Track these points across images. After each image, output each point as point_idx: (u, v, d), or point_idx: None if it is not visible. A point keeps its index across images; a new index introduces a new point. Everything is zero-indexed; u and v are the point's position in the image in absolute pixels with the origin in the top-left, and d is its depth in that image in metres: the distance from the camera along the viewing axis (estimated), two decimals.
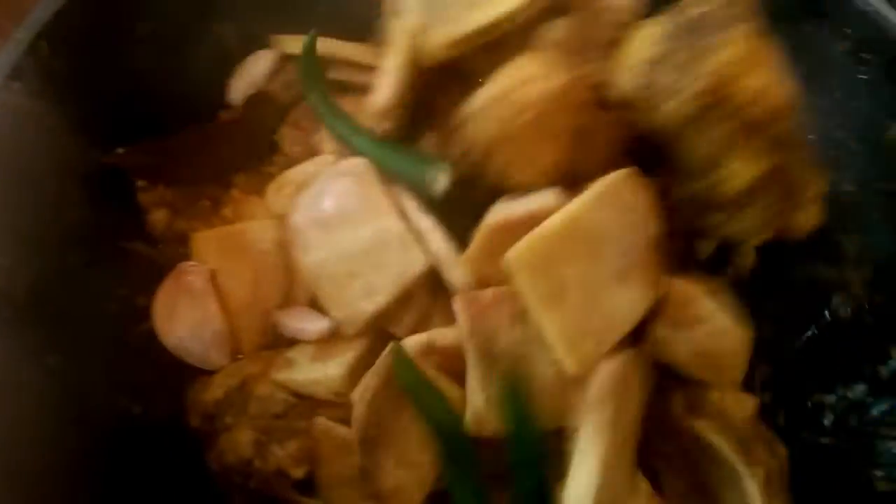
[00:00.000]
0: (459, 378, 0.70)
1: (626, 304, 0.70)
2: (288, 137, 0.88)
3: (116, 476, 0.75)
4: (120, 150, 0.81)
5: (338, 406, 0.75)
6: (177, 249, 0.85)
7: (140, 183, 0.85)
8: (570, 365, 0.67)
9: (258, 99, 0.88)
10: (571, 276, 0.67)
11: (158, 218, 0.85)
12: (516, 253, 0.66)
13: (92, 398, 0.76)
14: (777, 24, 0.84)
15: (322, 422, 0.76)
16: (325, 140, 0.84)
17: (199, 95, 0.90)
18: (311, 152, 0.86)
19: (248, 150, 0.86)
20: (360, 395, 0.70)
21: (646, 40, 0.72)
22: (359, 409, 0.69)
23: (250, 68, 0.92)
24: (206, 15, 0.90)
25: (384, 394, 0.70)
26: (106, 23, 0.81)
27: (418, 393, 0.69)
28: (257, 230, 0.81)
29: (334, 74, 0.88)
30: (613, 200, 0.70)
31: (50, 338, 0.73)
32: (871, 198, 0.84)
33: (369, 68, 0.83)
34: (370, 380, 0.70)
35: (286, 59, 0.92)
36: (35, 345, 0.71)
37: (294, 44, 0.90)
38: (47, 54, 0.75)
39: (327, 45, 0.87)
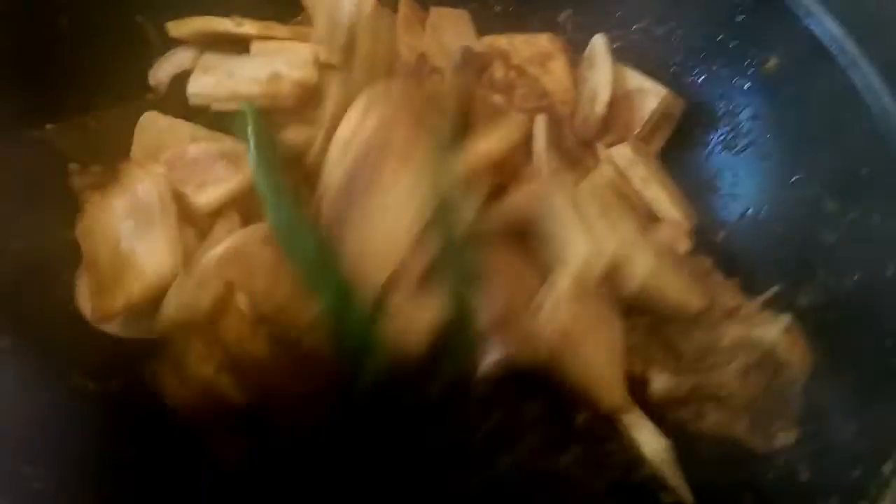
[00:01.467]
0: None
1: None
2: None
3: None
4: (49, 127, 0.84)
5: None
6: None
7: (72, 166, 0.86)
8: None
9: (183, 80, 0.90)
10: None
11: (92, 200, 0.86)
12: None
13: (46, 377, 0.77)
14: None
15: None
16: None
17: (125, 82, 0.92)
18: None
19: None
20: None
21: None
22: None
23: (173, 58, 0.95)
24: (125, 8, 0.93)
25: None
26: (29, 13, 0.83)
27: None
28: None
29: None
30: None
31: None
32: None
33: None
34: None
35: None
36: None
37: (178, 27, 0.93)
38: None
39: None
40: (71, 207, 0.85)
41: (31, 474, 0.71)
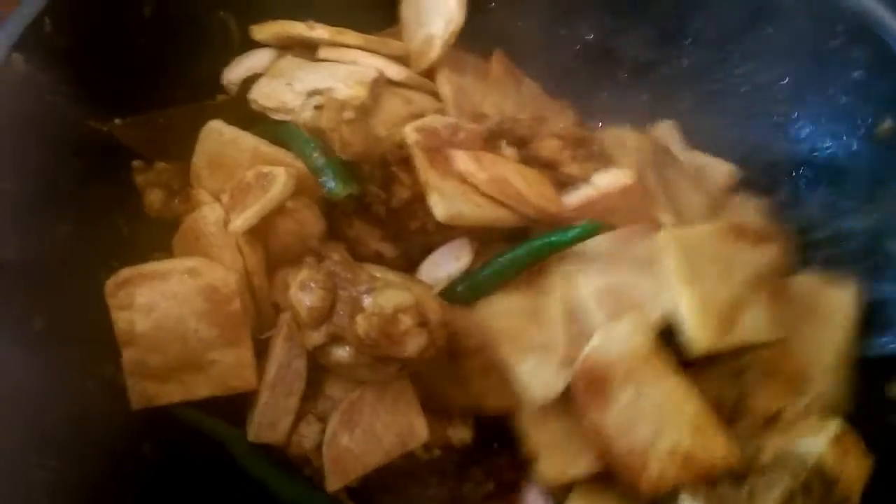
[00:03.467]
0: None
1: None
2: None
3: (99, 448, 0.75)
4: (117, 122, 0.83)
5: None
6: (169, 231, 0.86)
7: (136, 164, 0.86)
8: None
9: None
10: None
11: (154, 199, 0.86)
12: None
13: (76, 365, 0.76)
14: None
15: None
16: None
17: (198, 79, 0.91)
18: None
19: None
20: None
21: None
22: None
23: (248, 60, 0.93)
24: (211, 2, 0.92)
25: None
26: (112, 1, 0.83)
27: None
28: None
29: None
30: None
31: (37, 302, 0.73)
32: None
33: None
34: None
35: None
36: (22, 308, 0.72)
37: (261, 31, 0.92)
38: (50, 30, 0.77)
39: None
40: (127, 200, 0.86)
41: (52, 462, 0.71)
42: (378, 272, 0.74)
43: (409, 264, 0.83)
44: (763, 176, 0.94)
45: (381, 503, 0.79)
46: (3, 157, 0.73)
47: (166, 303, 0.75)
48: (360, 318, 0.67)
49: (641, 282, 0.75)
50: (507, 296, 0.77)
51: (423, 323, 0.68)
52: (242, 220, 0.75)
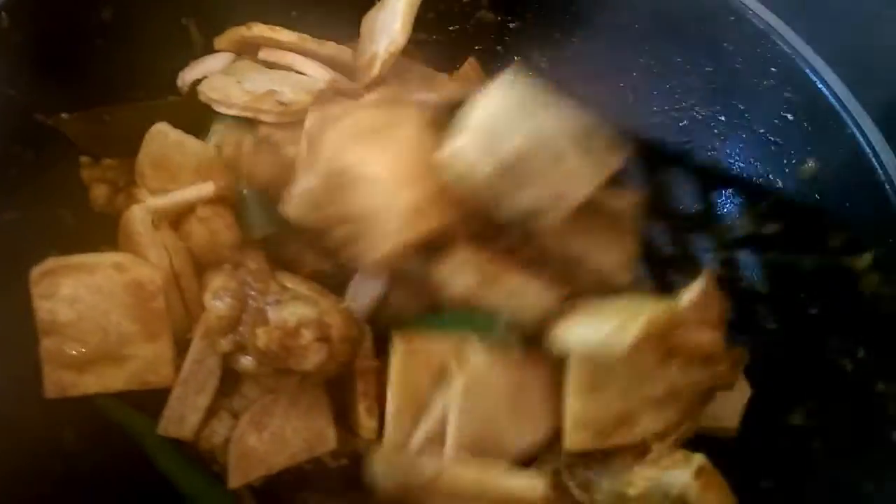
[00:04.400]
0: None
1: None
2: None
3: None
4: (63, 116, 0.86)
5: None
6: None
7: (83, 159, 0.89)
8: None
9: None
10: None
11: (99, 194, 0.88)
12: None
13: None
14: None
15: None
16: None
17: (157, 82, 0.94)
18: None
19: (187, 132, 0.87)
20: None
21: None
22: None
23: (205, 62, 0.96)
24: (172, 7, 0.95)
25: None
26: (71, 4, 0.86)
27: None
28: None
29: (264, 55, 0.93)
30: None
31: None
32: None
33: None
34: None
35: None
36: None
37: (222, 40, 0.96)
38: (7, 25, 0.80)
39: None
40: (75, 195, 0.88)
41: None
42: (291, 283, 0.76)
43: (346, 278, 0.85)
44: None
45: None
46: None
47: (90, 296, 0.77)
48: (260, 331, 0.69)
49: None
50: None
51: (324, 338, 0.70)
52: (149, 202, 0.78)
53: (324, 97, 0.80)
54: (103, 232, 0.87)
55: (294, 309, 0.70)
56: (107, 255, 0.81)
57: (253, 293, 0.73)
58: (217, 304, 0.74)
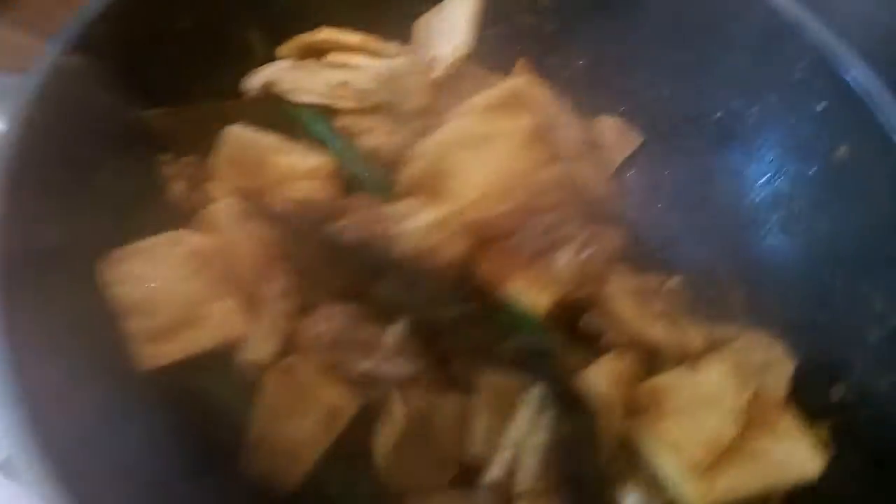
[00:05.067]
0: None
1: None
2: None
3: None
4: (153, 111, 0.93)
5: None
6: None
7: (163, 157, 0.95)
8: None
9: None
10: None
11: (177, 190, 0.95)
12: None
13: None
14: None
15: None
16: None
17: (220, 87, 1.01)
18: None
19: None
20: None
21: None
22: None
23: (268, 69, 1.03)
24: (238, 18, 1.02)
25: None
26: (154, 11, 0.93)
27: None
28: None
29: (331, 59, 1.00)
30: None
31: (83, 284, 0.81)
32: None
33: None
34: None
35: None
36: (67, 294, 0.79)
37: (284, 49, 1.03)
38: (103, 34, 0.87)
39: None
40: (150, 192, 0.94)
41: None
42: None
43: None
44: None
45: None
46: (64, 144, 0.82)
47: (158, 272, 0.85)
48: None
49: None
50: None
51: None
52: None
53: None
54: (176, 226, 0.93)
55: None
56: (162, 236, 0.88)
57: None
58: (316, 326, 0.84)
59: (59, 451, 0.65)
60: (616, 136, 1.05)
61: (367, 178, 0.93)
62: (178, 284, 0.84)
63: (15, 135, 0.78)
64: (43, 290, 0.75)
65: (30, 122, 0.79)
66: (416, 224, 0.83)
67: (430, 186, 0.86)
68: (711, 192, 1.04)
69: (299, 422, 0.83)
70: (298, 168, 0.90)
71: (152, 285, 0.83)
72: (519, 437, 0.80)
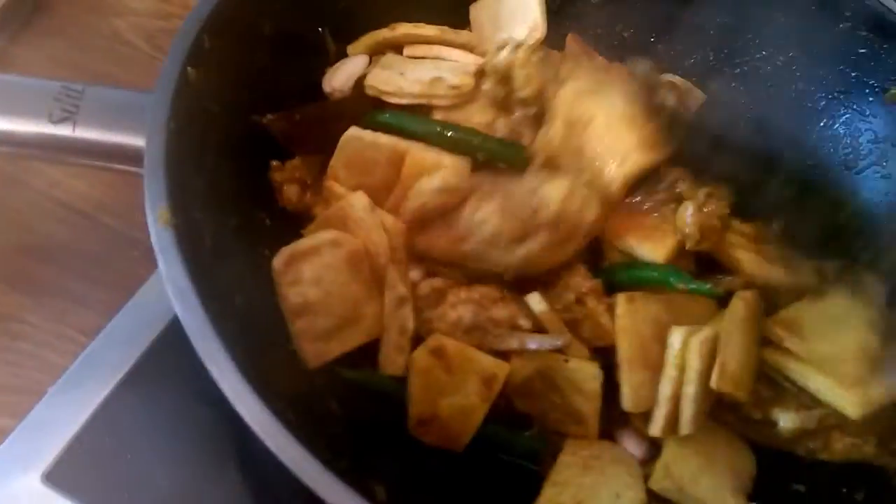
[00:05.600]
0: None
1: None
2: None
3: None
4: (270, 116, 0.95)
5: None
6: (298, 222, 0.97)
7: (274, 163, 0.97)
8: None
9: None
10: None
11: (291, 192, 0.96)
12: None
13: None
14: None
15: None
16: None
17: (298, 87, 1.02)
18: None
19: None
20: None
21: None
22: None
23: (347, 66, 1.05)
24: (314, 22, 1.04)
25: None
26: (243, 19, 0.93)
27: None
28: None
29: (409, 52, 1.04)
30: None
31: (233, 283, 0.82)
32: None
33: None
34: None
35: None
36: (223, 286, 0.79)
37: (355, 47, 1.06)
38: (209, 46, 0.87)
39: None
40: (265, 196, 0.96)
41: None
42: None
43: None
44: None
45: None
46: (204, 156, 0.84)
47: (328, 273, 0.87)
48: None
49: None
50: None
51: None
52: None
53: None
54: (294, 227, 0.96)
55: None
56: (321, 235, 0.90)
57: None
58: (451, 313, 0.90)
59: None
60: (681, 94, 1.12)
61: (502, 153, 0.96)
62: (345, 285, 0.86)
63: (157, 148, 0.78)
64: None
65: (168, 136, 0.79)
66: (558, 191, 0.88)
67: (571, 149, 0.91)
68: None
69: (458, 394, 0.88)
70: (436, 164, 0.93)
71: (326, 285, 0.86)
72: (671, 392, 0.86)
